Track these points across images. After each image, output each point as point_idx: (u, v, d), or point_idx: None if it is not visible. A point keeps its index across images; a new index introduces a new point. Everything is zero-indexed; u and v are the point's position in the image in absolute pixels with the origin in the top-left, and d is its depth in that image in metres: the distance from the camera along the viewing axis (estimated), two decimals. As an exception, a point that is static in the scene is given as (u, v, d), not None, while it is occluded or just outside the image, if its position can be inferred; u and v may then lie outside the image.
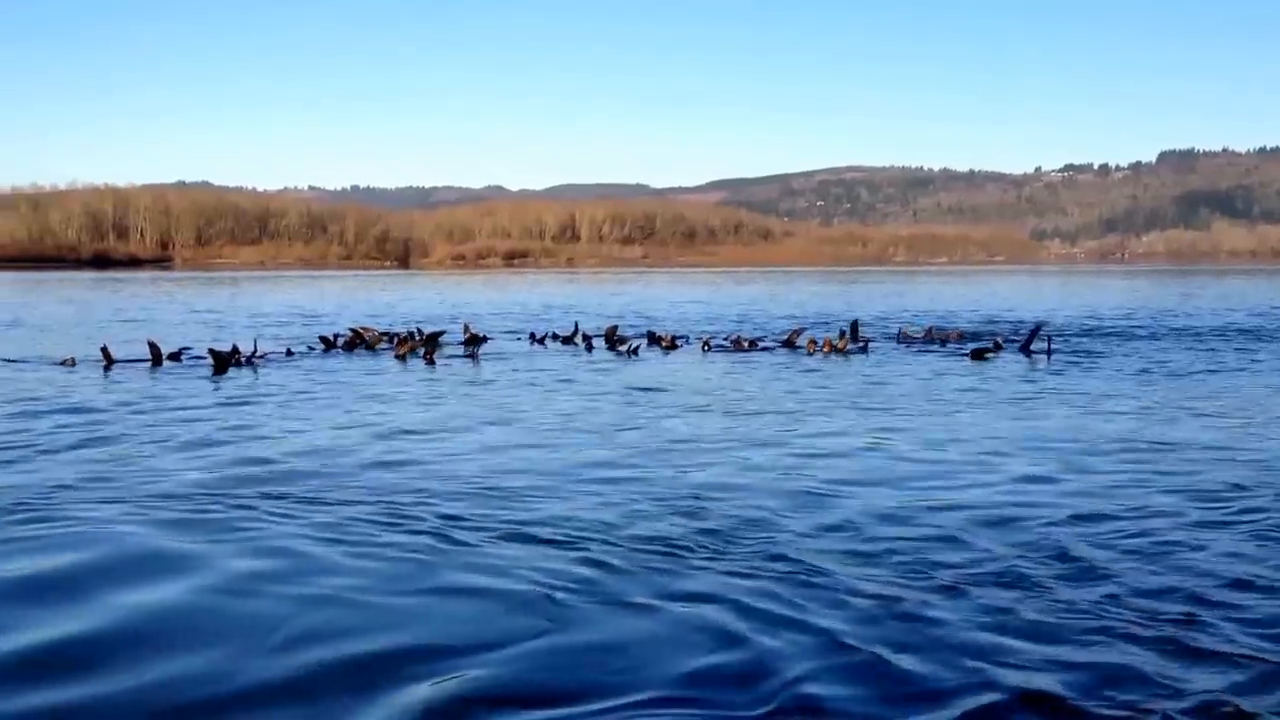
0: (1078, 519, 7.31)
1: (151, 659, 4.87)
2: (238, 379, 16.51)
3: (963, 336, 24.44)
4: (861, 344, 22.09)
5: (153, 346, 18.77)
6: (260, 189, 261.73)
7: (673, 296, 53.48)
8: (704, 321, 32.67)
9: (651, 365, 19.42)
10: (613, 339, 22.85)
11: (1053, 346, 21.58)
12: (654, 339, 23.78)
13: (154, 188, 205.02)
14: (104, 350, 18.63)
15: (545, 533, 6.93)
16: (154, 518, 7.36)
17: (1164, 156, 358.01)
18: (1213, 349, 22.50)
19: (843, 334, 23.25)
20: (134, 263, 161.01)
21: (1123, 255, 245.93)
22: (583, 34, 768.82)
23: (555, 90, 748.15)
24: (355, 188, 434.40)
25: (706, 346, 22.24)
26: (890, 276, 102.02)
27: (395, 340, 22.38)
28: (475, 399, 14.18)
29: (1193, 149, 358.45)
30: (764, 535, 6.90)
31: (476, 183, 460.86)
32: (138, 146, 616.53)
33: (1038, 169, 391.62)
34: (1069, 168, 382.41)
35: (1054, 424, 11.88)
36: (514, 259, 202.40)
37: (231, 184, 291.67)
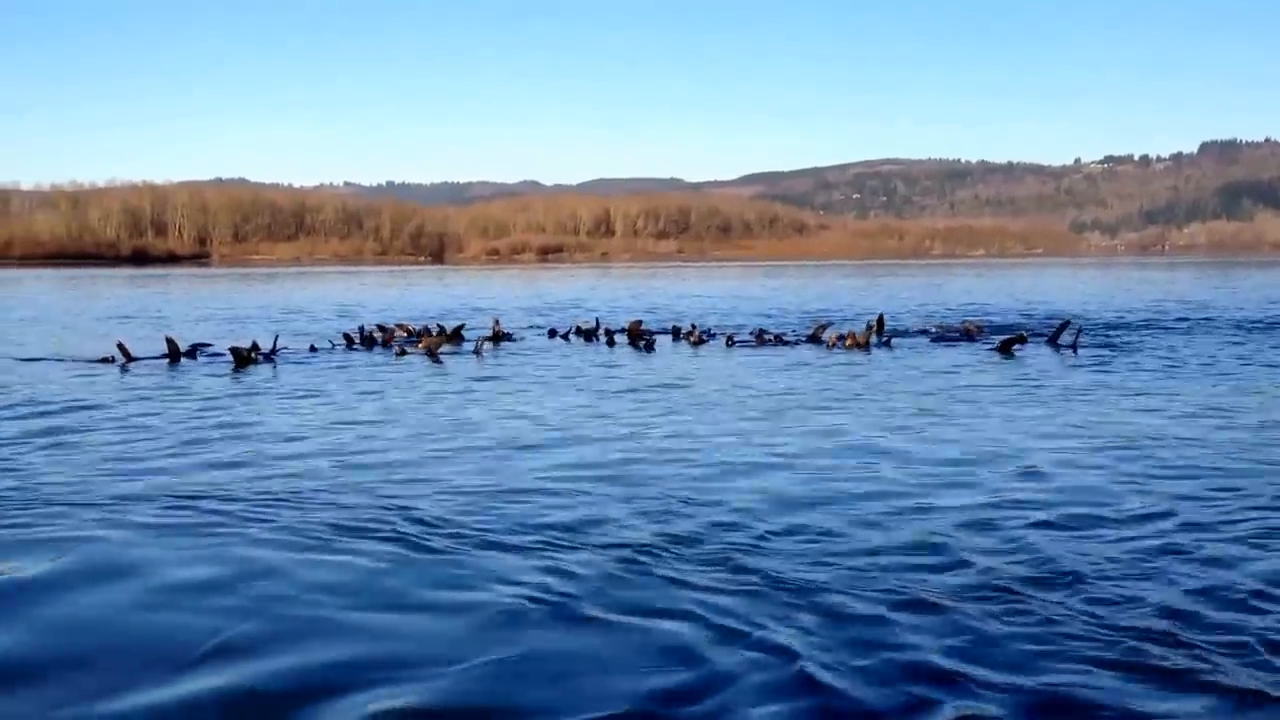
0: (1062, 526, 7.07)
1: (61, 674, 4.73)
2: (253, 376, 16.55)
3: (981, 330, 24.02)
4: (885, 339, 21.84)
5: (170, 343, 18.78)
6: (297, 185, 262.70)
7: (705, 291, 53.33)
8: (733, 316, 32.47)
9: (668, 361, 19.26)
10: (636, 334, 22.68)
11: (1080, 340, 21.29)
12: (678, 334, 23.63)
13: (191, 185, 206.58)
14: (121, 347, 18.62)
15: (510, 540, 6.75)
16: (122, 521, 7.24)
17: (1206, 147, 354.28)
18: (1243, 343, 22.09)
19: (869, 327, 23.09)
20: (172, 259, 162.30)
21: (1163, 247, 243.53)
22: (619, 29, 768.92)
23: (590, 85, 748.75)
24: (391, 183, 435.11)
25: (730, 341, 22.06)
26: (925, 270, 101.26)
27: (417, 336, 22.29)
28: (471, 398, 13.96)
29: (1235, 139, 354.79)
30: (732, 543, 6.69)
31: (511, 178, 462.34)
32: (176, 144, 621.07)
33: (1077, 160, 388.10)
34: (1109, 159, 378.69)
35: (1066, 422, 11.61)
36: (548, 254, 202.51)
37: (268, 181, 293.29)
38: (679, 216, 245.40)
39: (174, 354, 18.60)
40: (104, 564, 6.28)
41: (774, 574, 6.04)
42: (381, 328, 23.28)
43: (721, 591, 5.74)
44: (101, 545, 6.66)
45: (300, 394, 14.38)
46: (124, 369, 17.46)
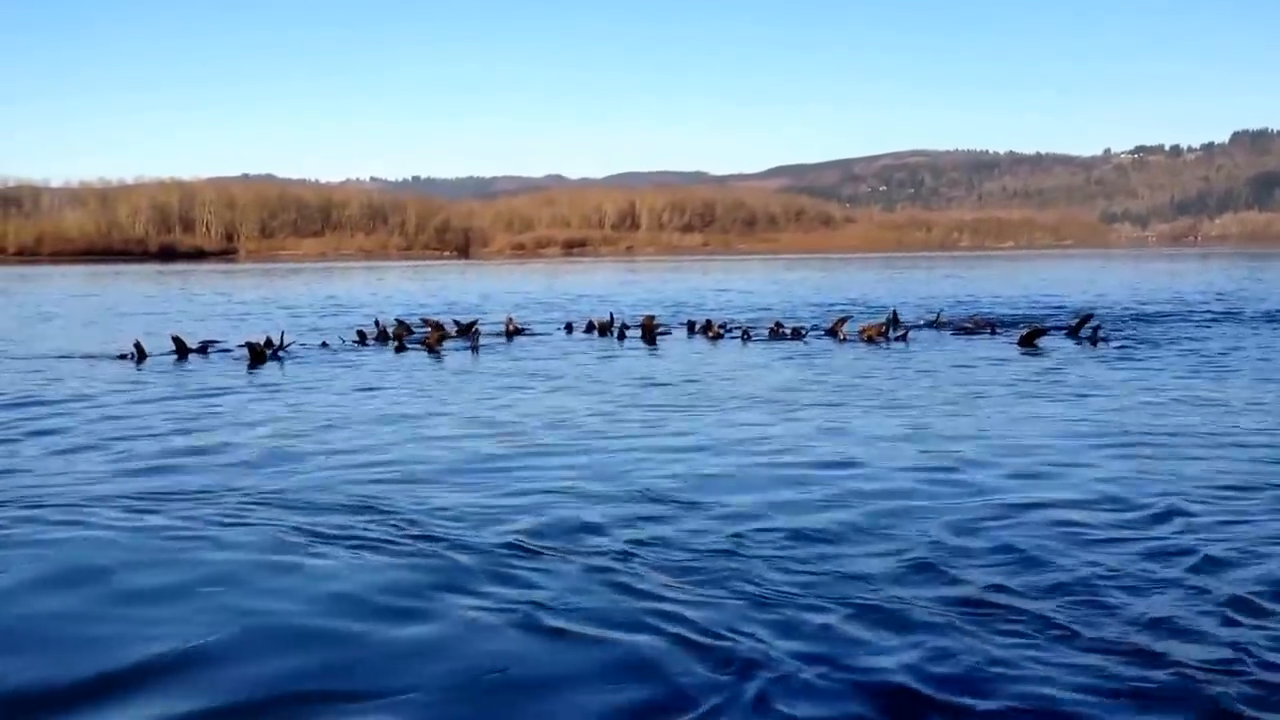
0: (1059, 531, 6.84)
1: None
2: (258, 372, 16.51)
3: (995, 325, 23.84)
4: (901, 332, 21.67)
5: (176, 340, 18.82)
6: (323, 181, 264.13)
7: (728, 284, 53.18)
8: (755, 309, 32.34)
9: (676, 356, 19.13)
10: (649, 329, 22.60)
11: (1101, 334, 21.14)
12: (693, 328, 23.57)
13: (219, 181, 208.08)
14: (137, 345, 18.65)
15: (477, 544, 6.61)
16: (91, 522, 7.17)
17: (1237, 137, 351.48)
18: (1259, 333, 21.89)
19: (890, 322, 23.06)
20: (199, 255, 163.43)
21: (1195, 238, 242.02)
22: (644, 21, 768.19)
23: (616, 78, 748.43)
24: (416, 178, 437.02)
25: (746, 336, 21.96)
26: (951, 262, 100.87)
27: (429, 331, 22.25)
28: (453, 396, 13.77)
29: (1266, 129, 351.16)
30: (710, 549, 6.48)
31: (537, 172, 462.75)
32: (203, 141, 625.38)
33: (1107, 151, 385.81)
34: (1139, 149, 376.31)
35: (1074, 418, 11.41)
36: (573, 248, 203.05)
37: (295, 176, 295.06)
38: (704, 210, 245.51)
39: (181, 351, 18.62)
40: (63, 568, 6.18)
41: (751, 582, 5.84)
42: (400, 322, 23.26)
43: (697, 603, 5.51)
44: (62, 548, 6.56)
45: (295, 391, 14.34)
46: (138, 366, 17.46)
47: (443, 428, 11.07)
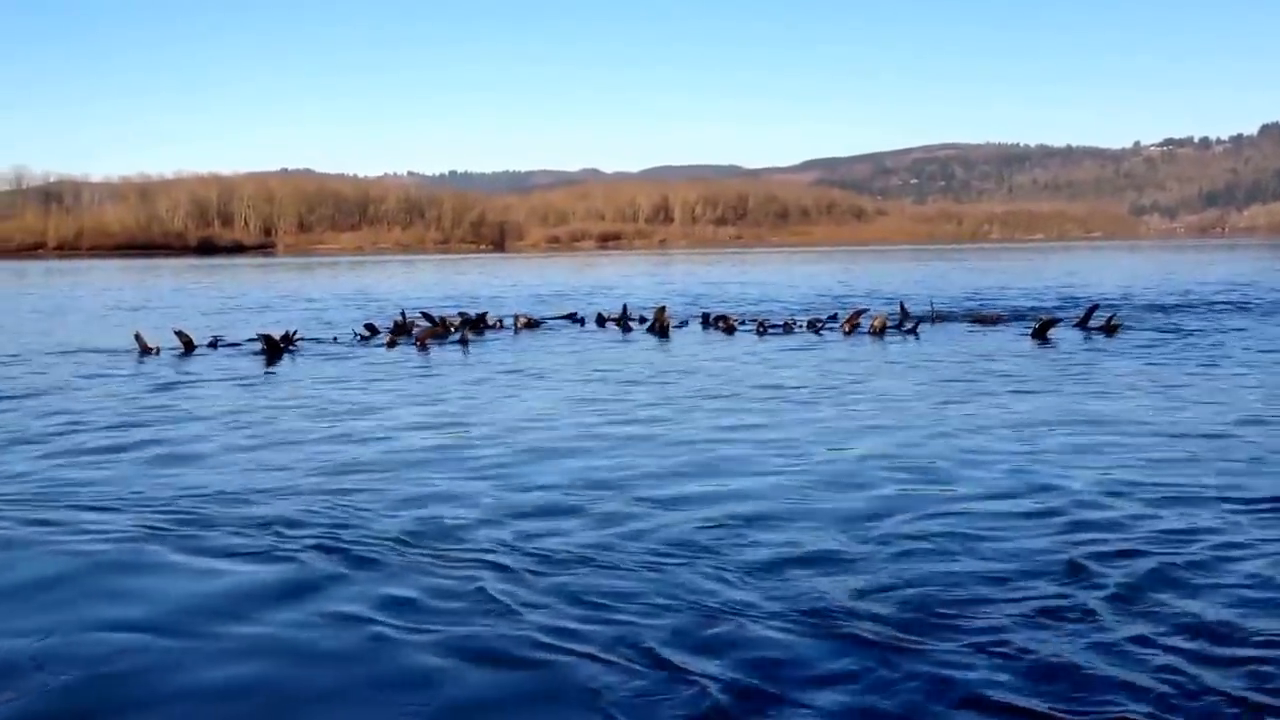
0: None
1: None
2: (256, 368, 16.67)
3: (999, 319, 23.96)
4: (912, 325, 21.75)
5: (181, 335, 19.05)
6: (361, 175, 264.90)
7: (755, 277, 53.02)
8: (780, 301, 32.38)
9: (681, 349, 19.32)
10: (662, 322, 22.68)
11: (1114, 323, 21.24)
12: (707, 320, 23.71)
13: (257, 175, 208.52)
14: (137, 337, 18.96)
15: (423, 552, 6.50)
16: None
17: (1266, 129, 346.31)
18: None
19: (904, 313, 23.24)
20: (238, 249, 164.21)
21: (1223, 229, 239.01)
22: (676, 18, 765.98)
23: (651, 73, 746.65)
24: (453, 173, 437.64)
25: (762, 329, 22.09)
26: (979, 254, 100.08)
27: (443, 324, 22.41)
28: (435, 394, 13.61)
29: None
30: (669, 558, 6.33)
31: (572, 166, 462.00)
32: (243, 136, 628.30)
33: (1136, 143, 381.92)
34: (1168, 142, 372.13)
35: (1067, 410, 11.54)
36: (607, 241, 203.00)
37: (333, 171, 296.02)
38: (737, 203, 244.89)
39: (187, 346, 18.78)
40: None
41: (703, 594, 5.73)
42: (404, 315, 23.35)
43: (655, 615, 5.38)
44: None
45: (263, 386, 14.44)
46: (140, 360, 17.67)
47: (368, 425, 10.98)
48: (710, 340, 20.98)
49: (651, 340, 20.99)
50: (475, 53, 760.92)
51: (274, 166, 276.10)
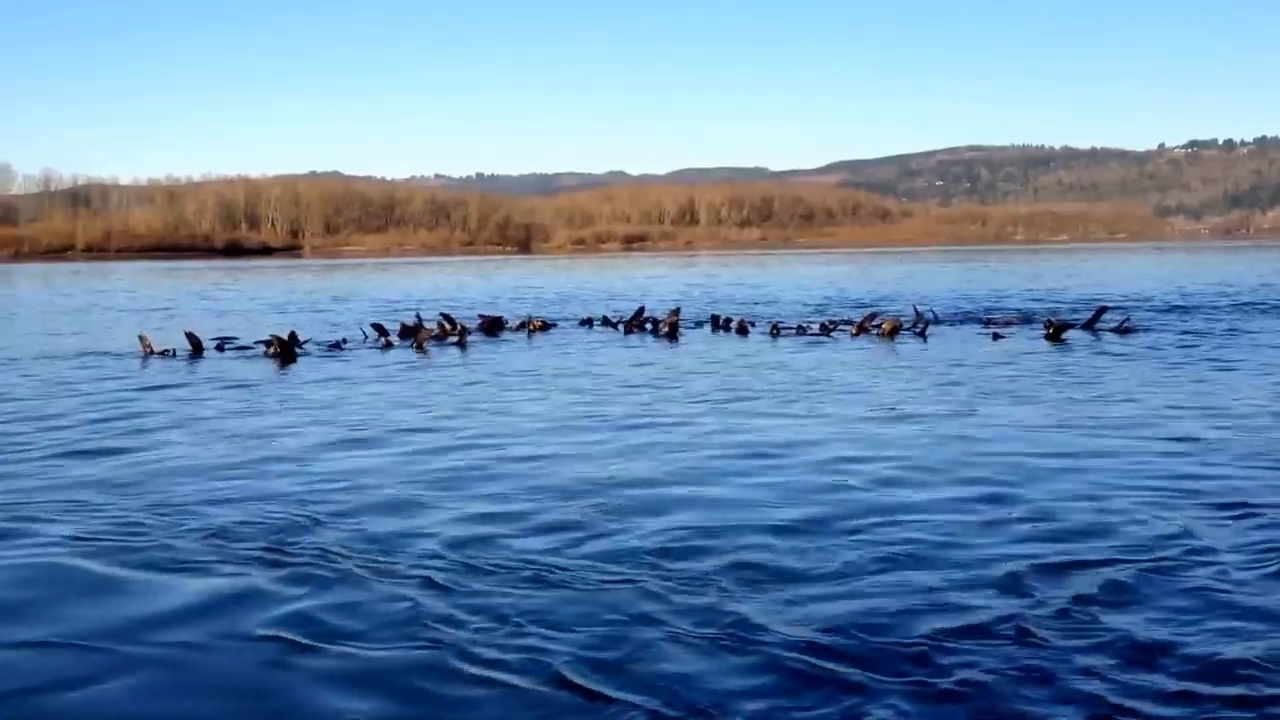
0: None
1: None
2: (259, 371, 16.64)
3: (1009, 322, 23.84)
4: (921, 328, 21.63)
5: (191, 337, 19.04)
6: (389, 178, 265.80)
7: (778, 278, 52.99)
8: (800, 304, 32.35)
9: (686, 351, 19.27)
10: (673, 325, 22.62)
11: (1128, 325, 21.19)
12: (717, 323, 23.65)
13: (285, 178, 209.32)
14: (142, 339, 18.97)
15: (368, 563, 6.32)
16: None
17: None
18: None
19: (917, 318, 23.26)
20: (265, 251, 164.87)
21: (1248, 231, 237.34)
22: (705, 16, 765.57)
23: (676, 75, 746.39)
24: (480, 175, 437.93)
25: (776, 331, 22.03)
26: (1001, 256, 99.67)
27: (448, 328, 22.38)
28: (420, 396, 13.59)
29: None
30: (620, 574, 6.08)
31: (599, 168, 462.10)
32: (270, 138, 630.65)
33: (1161, 145, 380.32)
34: (1193, 143, 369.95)
35: (1058, 419, 11.35)
36: (633, 243, 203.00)
37: (361, 173, 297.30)
38: (762, 205, 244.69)
39: (196, 348, 18.77)
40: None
41: (627, 613, 5.46)
42: (419, 317, 23.34)
43: (574, 636, 5.17)
44: None
45: (266, 390, 14.33)
46: (144, 362, 17.67)
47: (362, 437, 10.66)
48: (719, 343, 20.90)
49: (658, 343, 20.92)
50: (502, 55, 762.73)
51: (302, 169, 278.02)
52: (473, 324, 23.09)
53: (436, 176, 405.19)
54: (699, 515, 7.28)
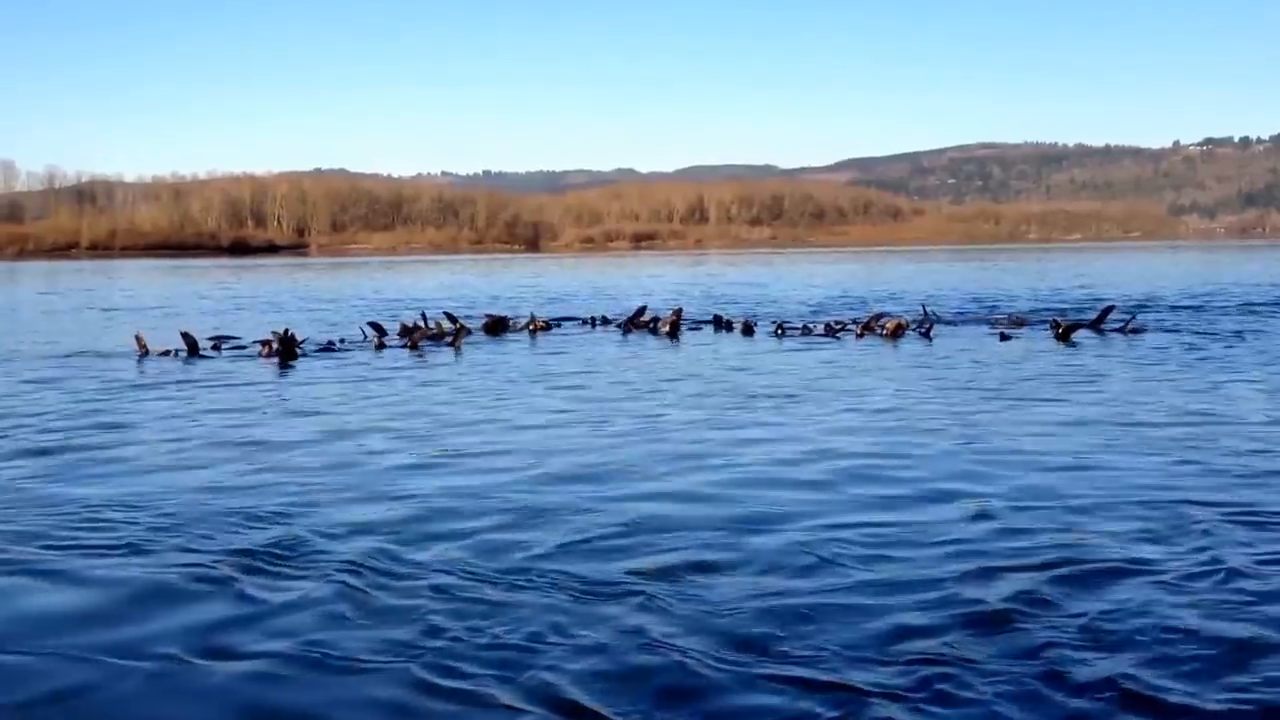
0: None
1: None
2: (249, 371, 16.33)
3: (1017, 322, 23.45)
4: (924, 328, 21.23)
5: (186, 336, 18.71)
6: (395, 175, 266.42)
7: (785, 276, 52.84)
8: (806, 304, 32.03)
9: (681, 351, 19.03)
10: (674, 324, 22.36)
11: (1134, 325, 21.11)
12: (719, 323, 23.36)
13: (291, 175, 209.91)
14: (137, 338, 18.66)
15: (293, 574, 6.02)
16: None
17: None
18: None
19: (926, 315, 23.28)
20: (271, 249, 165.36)
21: (1263, 229, 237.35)
22: (711, 16, 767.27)
23: (686, 72, 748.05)
24: (488, 173, 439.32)
25: (780, 331, 21.66)
26: (1012, 254, 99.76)
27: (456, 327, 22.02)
28: (403, 399, 13.30)
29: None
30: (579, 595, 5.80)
31: (607, 166, 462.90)
32: (276, 135, 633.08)
33: (1176, 143, 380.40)
34: (1208, 141, 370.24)
35: (1054, 420, 10.90)
36: (641, 241, 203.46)
37: (368, 171, 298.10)
38: (772, 203, 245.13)
39: (191, 347, 18.50)
40: None
41: (522, 619, 5.23)
42: (424, 316, 23.03)
43: (472, 643, 4.91)
44: None
45: (240, 391, 14.03)
46: (139, 362, 17.41)
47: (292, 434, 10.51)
48: (718, 342, 20.65)
49: (656, 342, 20.69)
50: (509, 52, 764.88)
51: (308, 166, 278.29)
52: (476, 323, 22.82)
53: (443, 174, 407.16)
54: (630, 512, 7.17)
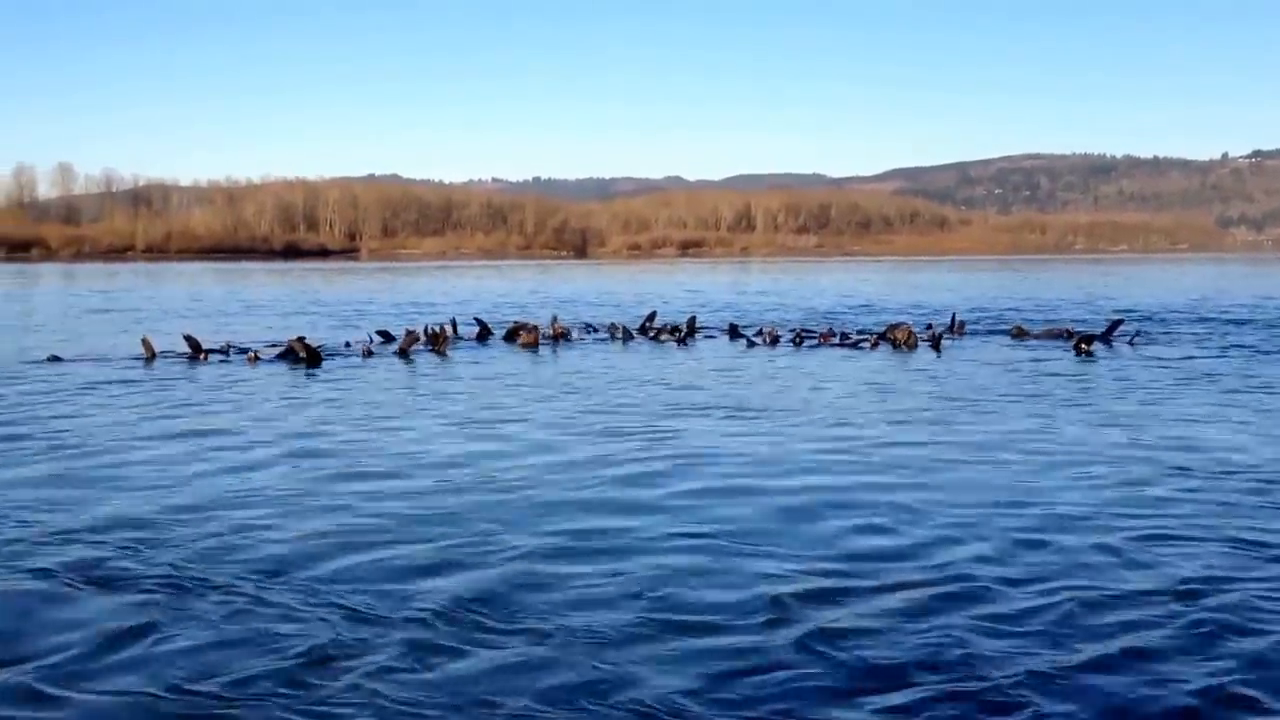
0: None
1: None
2: (242, 374, 16.86)
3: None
4: (933, 339, 21.62)
5: (190, 340, 19.16)
6: (447, 181, 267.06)
7: (806, 286, 52.84)
8: (829, 312, 32.36)
9: (684, 359, 19.45)
10: (686, 330, 23.00)
11: (1136, 340, 21.47)
12: (734, 331, 23.76)
13: (343, 181, 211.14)
14: (145, 342, 19.18)
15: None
16: None
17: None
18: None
19: (954, 325, 24.25)
20: (322, 253, 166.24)
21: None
22: (762, 25, 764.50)
23: (734, 81, 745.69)
24: (537, 179, 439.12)
25: (799, 340, 22.10)
26: (1050, 265, 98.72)
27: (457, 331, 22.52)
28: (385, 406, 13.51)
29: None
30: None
31: (655, 173, 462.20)
32: (330, 141, 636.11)
33: (1224, 155, 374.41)
34: (1257, 153, 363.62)
35: (1053, 439, 11.33)
36: (689, 248, 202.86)
37: (419, 177, 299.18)
38: (819, 212, 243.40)
39: (196, 351, 18.83)
40: None
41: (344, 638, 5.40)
42: (455, 322, 23.37)
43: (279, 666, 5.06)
44: None
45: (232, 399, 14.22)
46: (147, 365, 17.88)
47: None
48: (721, 350, 21.14)
49: (659, 350, 21.21)
50: (562, 62, 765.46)
51: (360, 172, 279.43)
52: (470, 332, 23.09)
53: (494, 180, 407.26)
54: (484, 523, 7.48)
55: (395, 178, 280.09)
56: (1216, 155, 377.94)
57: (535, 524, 7.52)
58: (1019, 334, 23.44)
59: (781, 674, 4.95)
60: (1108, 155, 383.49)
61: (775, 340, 22.21)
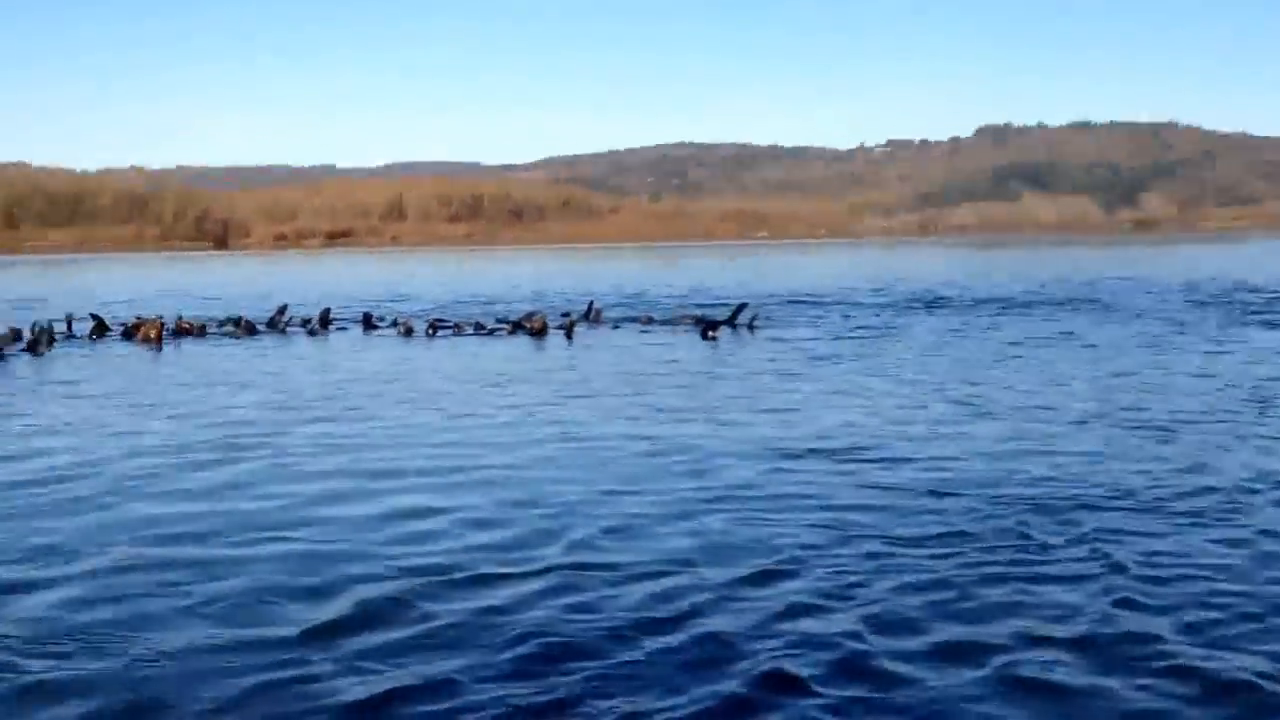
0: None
1: None
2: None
3: (650, 319, 25.23)
4: (567, 327, 22.33)
5: None
6: (79, 170, 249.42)
7: (471, 276, 53.04)
8: (476, 302, 32.69)
9: (310, 354, 19.64)
10: (324, 322, 23.03)
11: (756, 323, 22.55)
12: (369, 322, 23.86)
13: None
14: None
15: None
16: None
17: (981, 131, 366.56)
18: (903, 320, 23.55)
19: (591, 311, 24.97)
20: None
21: (937, 228, 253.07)
22: (422, 15, 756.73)
23: (391, 68, 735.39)
24: (181, 167, 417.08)
25: (433, 330, 22.28)
26: (697, 252, 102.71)
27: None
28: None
29: (1009, 124, 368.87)
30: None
31: (307, 161, 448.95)
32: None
33: (862, 145, 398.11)
34: (892, 143, 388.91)
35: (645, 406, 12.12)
36: (337, 239, 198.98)
37: (51, 165, 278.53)
38: (472, 201, 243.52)
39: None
40: None
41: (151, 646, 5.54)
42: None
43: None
44: None
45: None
46: None
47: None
48: (355, 343, 21.38)
49: (284, 343, 21.24)
50: (208, 42, 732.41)
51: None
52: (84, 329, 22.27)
53: (133, 168, 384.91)
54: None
55: (24, 165, 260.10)
56: (855, 145, 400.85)
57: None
58: (648, 321, 24.49)
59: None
60: (754, 144, 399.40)
61: (409, 331, 22.32)
